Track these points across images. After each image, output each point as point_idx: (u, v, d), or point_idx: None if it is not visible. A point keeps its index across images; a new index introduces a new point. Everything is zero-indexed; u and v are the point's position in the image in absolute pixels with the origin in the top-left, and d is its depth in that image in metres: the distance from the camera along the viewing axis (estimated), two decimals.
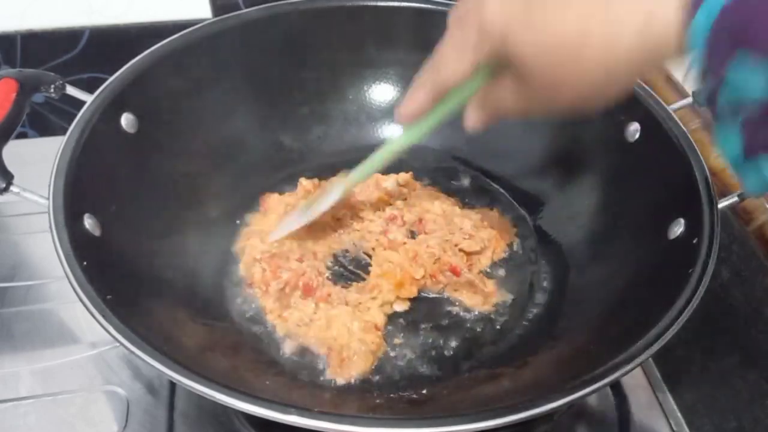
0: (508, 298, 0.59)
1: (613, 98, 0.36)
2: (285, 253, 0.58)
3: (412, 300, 0.58)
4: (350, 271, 0.60)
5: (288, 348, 0.54)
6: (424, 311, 0.58)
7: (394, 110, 0.47)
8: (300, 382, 0.51)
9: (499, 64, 0.37)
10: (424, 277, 0.58)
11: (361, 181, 0.58)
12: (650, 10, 0.31)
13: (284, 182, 0.68)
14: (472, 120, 0.43)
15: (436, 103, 0.44)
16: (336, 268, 0.60)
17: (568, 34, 0.33)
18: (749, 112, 0.28)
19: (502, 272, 0.62)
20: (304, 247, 0.60)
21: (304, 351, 0.54)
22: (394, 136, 0.51)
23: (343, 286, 0.58)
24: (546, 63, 0.34)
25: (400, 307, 0.57)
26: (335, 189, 0.57)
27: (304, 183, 0.66)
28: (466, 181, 0.70)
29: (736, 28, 0.27)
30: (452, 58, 0.40)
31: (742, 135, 0.30)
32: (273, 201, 0.64)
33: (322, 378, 0.52)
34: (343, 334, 0.53)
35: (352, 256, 0.61)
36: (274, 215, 0.63)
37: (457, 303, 0.59)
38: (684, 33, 0.29)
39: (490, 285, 0.59)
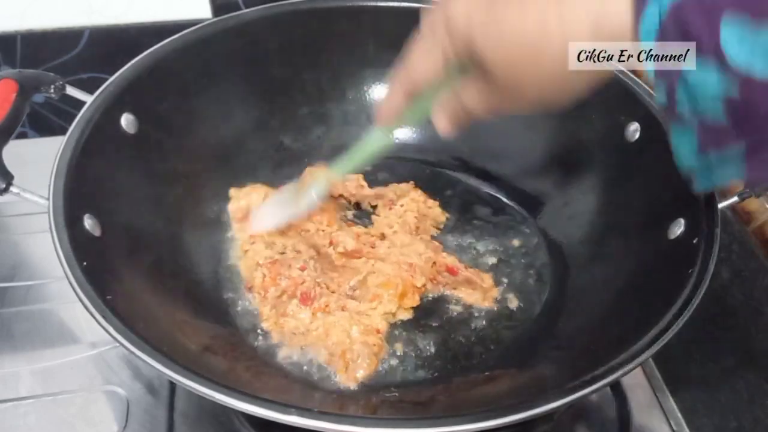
0: (509, 296, 0.59)
1: (579, 95, 0.36)
2: (288, 260, 0.58)
3: None
4: None
5: (283, 355, 0.54)
6: (424, 312, 0.58)
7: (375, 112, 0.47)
8: (299, 383, 0.51)
9: (465, 65, 0.38)
10: (424, 285, 0.58)
11: (340, 177, 0.58)
12: (601, 6, 0.31)
13: (284, 182, 0.68)
14: (441, 124, 0.43)
15: (410, 103, 0.44)
16: None
17: (527, 33, 0.33)
18: (705, 112, 0.29)
19: (502, 273, 0.62)
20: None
21: (302, 356, 0.54)
22: (372, 134, 0.52)
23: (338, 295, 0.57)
24: (507, 61, 0.35)
25: (404, 315, 0.57)
26: (318, 184, 0.57)
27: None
28: (464, 185, 0.70)
29: (683, 25, 0.27)
30: (422, 58, 0.40)
31: (697, 133, 0.30)
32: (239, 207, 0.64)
33: (322, 380, 0.52)
34: (343, 340, 0.53)
35: None
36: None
37: (455, 302, 0.59)
38: (637, 29, 0.30)
39: (487, 280, 0.60)
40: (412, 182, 0.68)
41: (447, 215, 0.66)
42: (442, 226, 0.66)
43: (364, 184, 0.68)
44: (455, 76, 0.40)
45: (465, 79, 0.39)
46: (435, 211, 0.66)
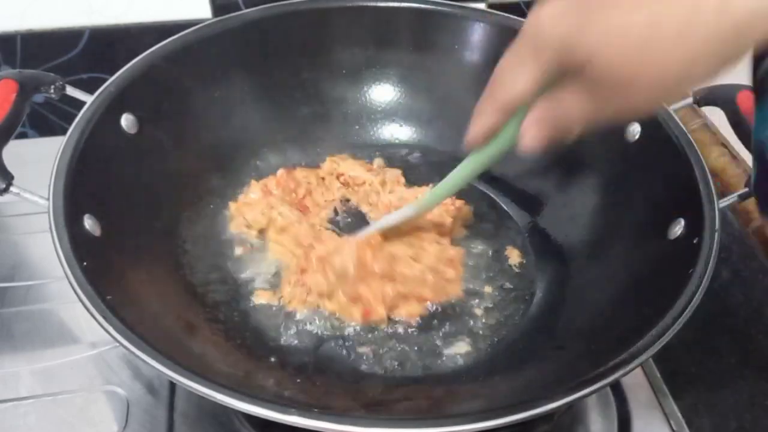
0: (509, 296, 0.59)
1: (689, 92, 0.33)
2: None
3: None
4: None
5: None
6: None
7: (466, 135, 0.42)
8: (300, 381, 0.51)
9: (563, 73, 0.35)
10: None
11: (431, 208, 0.57)
12: None
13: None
14: (532, 139, 0.38)
15: (504, 122, 0.40)
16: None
17: (635, 24, 0.30)
18: None
19: (502, 273, 0.62)
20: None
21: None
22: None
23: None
24: (613, 59, 0.31)
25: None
26: (405, 209, 0.57)
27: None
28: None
29: None
30: (511, 73, 0.37)
31: None
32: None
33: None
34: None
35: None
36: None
37: (456, 306, 0.59)
38: None
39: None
40: (431, 184, 0.65)
41: (473, 210, 0.66)
42: (469, 224, 0.65)
43: (402, 179, 0.67)
44: (550, 89, 0.36)
45: (562, 90, 0.36)
46: (464, 210, 0.65)
